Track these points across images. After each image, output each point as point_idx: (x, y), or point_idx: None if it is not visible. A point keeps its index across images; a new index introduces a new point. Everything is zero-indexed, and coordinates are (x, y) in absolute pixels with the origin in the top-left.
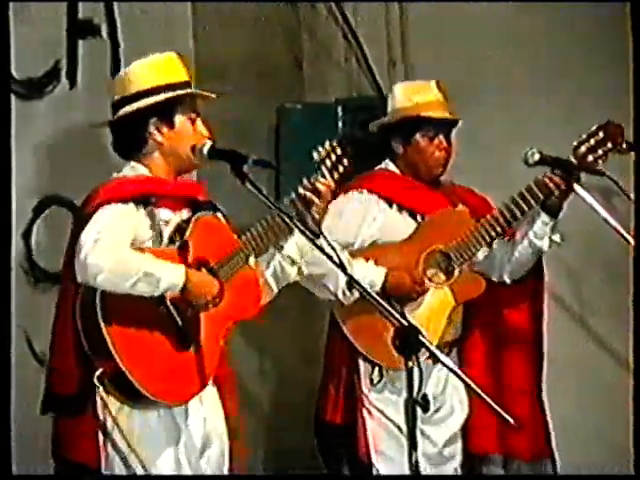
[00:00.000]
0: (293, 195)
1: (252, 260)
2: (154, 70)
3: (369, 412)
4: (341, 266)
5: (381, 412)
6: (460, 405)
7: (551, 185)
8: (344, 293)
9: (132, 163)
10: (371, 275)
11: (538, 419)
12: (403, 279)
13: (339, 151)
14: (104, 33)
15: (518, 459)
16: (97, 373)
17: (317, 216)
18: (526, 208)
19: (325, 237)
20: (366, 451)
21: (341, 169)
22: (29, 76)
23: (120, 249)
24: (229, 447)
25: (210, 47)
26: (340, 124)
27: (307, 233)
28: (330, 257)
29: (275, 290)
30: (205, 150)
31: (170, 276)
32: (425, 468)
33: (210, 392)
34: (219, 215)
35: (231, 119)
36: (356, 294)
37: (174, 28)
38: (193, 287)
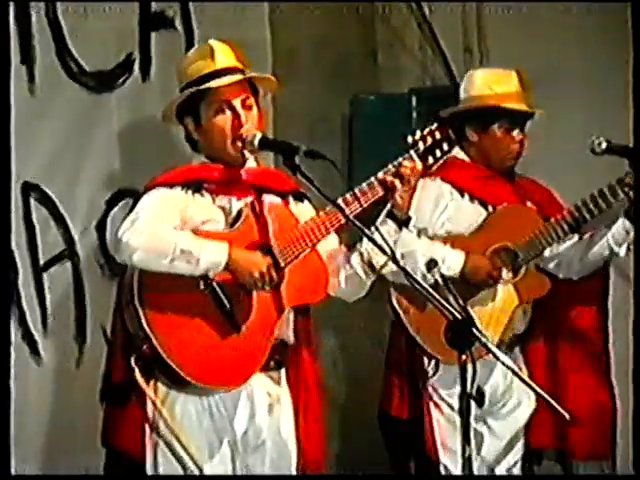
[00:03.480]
0: (372, 179)
1: (338, 245)
2: (188, 65)
3: (437, 406)
4: (393, 257)
5: (450, 407)
6: (527, 398)
7: (620, 192)
8: (424, 276)
9: (197, 154)
10: (450, 258)
11: (603, 419)
12: (482, 263)
13: (438, 135)
14: (178, 25)
15: (573, 457)
16: (134, 355)
17: (400, 200)
18: (596, 212)
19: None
20: (433, 446)
21: (438, 154)
22: (100, 69)
23: (155, 228)
24: (300, 450)
25: (284, 37)
26: (414, 114)
27: (357, 223)
28: (382, 248)
29: (364, 277)
30: (255, 141)
31: (210, 254)
32: (489, 462)
33: (266, 389)
34: (304, 203)
35: (304, 109)
36: (436, 275)
37: (249, 18)
38: (237, 264)
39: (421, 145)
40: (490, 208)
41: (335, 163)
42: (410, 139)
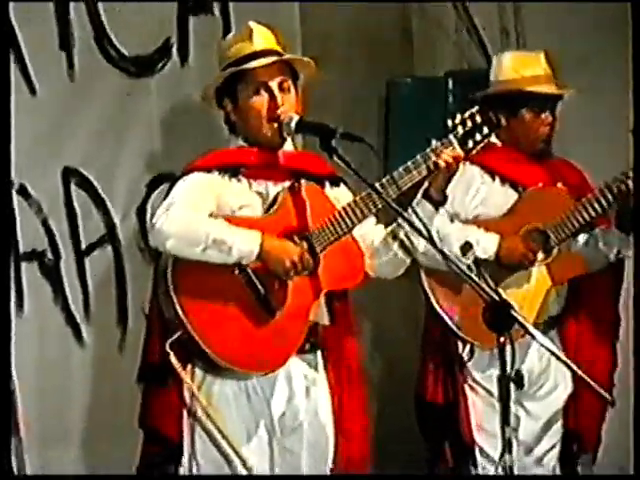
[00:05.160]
0: (409, 163)
1: (375, 227)
2: (227, 47)
3: (473, 389)
4: (431, 240)
5: (486, 390)
6: (564, 381)
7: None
8: (458, 259)
9: (235, 137)
10: (484, 241)
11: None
12: (516, 245)
13: (478, 119)
14: (216, 10)
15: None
16: (169, 340)
17: (437, 182)
18: (626, 192)
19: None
20: (468, 429)
21: (478, 137)
22: (139, 53)
23: (189, 215)
24: (337, 442)
25: (318, 20)
26: (451, 97)
27: (394, 206)
28: (419, 231)
29: (402, 257)
30: (293, 124)
31: (243, 243)
32: (526, 444)
33: (303, 372)
34: (340, 187)
35: (339, 92)
36: (470, 259)
37: (283, 2)
38: (269, 254)
39: (461, 129)
40: (521, 190)
41: (372, 145)
42: (450, 123)
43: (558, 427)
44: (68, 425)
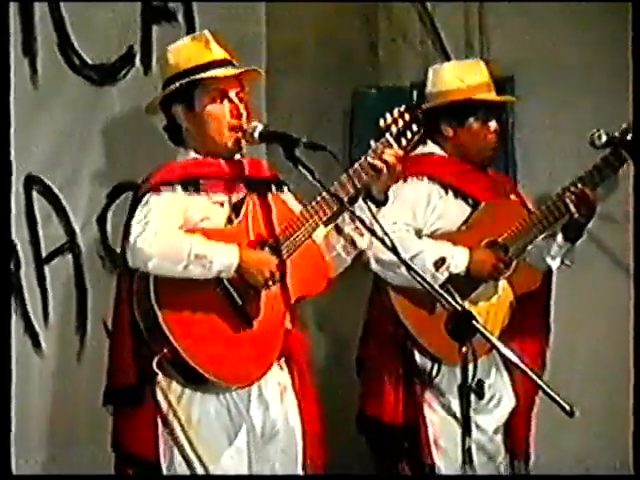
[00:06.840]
0: (356, 165)
1: (323, 230)
2: (177, 56)
3: (432, 408)
4: (394, 249)
5: (443, 406)
6: (507, 395)
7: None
8: (433, 276)
9: (182, 149)
10: (456, 255)
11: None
12: (487, 257)
13: (407, 117)
14: (180, 17)
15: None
16: (155, 359)
17: (380, 183)
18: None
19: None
20: (428, 448)
21: (409, 135)
22: (102, 61)
23: (169, 233)
24: (304, 444)
25: (285, 30)
26: None
27: (355, 214)
28: (381, 238)
29: (345, 256)
30: (256, 133)
31: (223, 257)
32: (479, 459)
33: (276, 379)
34: (284, 191)
35: (305, 102)
36: (445, 274)
37: (248, 12)
38: (248, 266)
39: (394, 128)
40: (472, 202)
41: (335, 154)
42: (382, 123)
43: (501, 440)
44: (27, 433)
